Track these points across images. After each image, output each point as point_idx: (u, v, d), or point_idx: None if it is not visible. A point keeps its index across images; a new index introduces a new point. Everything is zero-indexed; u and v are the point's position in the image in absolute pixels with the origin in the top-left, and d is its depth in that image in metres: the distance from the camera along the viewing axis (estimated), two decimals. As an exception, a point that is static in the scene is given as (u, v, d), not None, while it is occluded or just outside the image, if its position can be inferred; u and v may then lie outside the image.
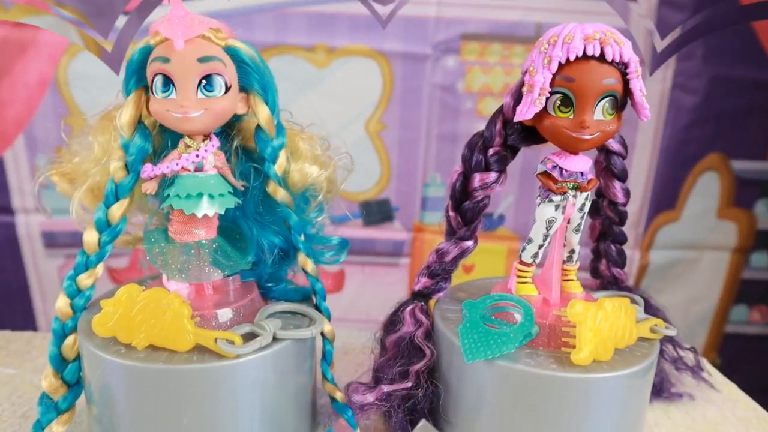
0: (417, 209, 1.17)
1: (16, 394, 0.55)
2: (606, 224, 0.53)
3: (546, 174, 0.46)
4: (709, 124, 1.07)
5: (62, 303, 0.47)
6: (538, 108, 0.43)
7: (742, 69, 1.05)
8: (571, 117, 0.43)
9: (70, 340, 0.47)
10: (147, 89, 0.45)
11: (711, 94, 1.05)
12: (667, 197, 1.11)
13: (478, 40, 1.09)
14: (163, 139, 0.48)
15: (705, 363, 0.62)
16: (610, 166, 0.50)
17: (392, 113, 1.13)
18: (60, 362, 0.48)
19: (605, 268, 0.55)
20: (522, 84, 0.46)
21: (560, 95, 0.43)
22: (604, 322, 0.44)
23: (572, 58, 0.42)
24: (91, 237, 0.46)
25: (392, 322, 0.52)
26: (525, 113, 0.44)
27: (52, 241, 1.15)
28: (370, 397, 0.48)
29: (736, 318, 1.15)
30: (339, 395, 0.50)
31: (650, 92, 1.06)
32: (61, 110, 1.09)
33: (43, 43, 1.04)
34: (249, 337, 0.44)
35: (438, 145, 1.14)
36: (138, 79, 0.45)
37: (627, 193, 0.51)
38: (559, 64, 0.43)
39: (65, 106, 1.08)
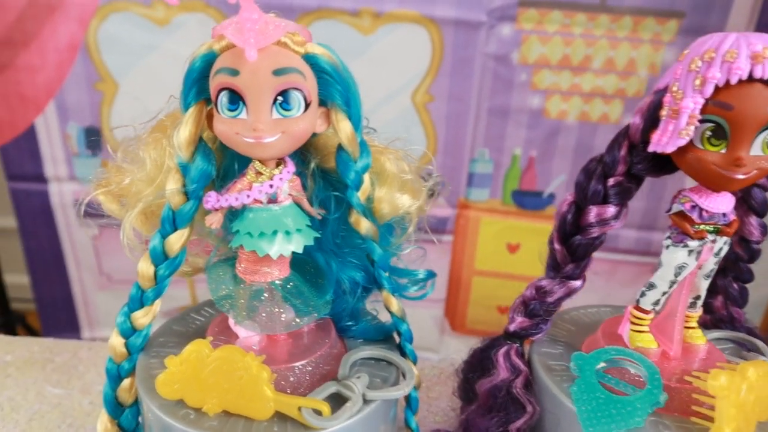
0: (463, 185, 1.08)
1: (67, 422, 0.49)
2: (731, 260, 0.44)
3: (681, 214, 0.37)
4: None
5: (116, 342, 0.40)
6: (685, 140, 0.34)
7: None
8: (723, 151, 0.34)
9: (126, 383, 0.40)
10: (208, 100, 0.36)
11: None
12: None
13: (537, 7, 0.97)
14: (225, 158, 0.40)
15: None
16: (748, 199, 0.41)
17: (441, 84, 1.02)
18: (115, 407, 0.41)
19: (721, 306, 0.46)
20: (657, 104, 0.37)
21: (711, 125, 0.34)
22: (748, 394, 0.36)
23: (734, 81, 0.32)
24: (146, 269, 0.39)
25: (481, 362, 0.45)
26: (666, 145, 0.35)
27: (85, 210, 1.09)
28: None
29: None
30: (425, 450, 0.44)
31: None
32: (92, 76, 1.00)
33: (71, 4, 0.94)
34: (334, 397, 0.36)
35: (488, 119, 1.04)
36: (199, 91, 0.36)
37: (764, 230, 0.42)
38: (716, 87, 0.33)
39: (96, 72, 0.99)
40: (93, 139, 1.03)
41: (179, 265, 0.39)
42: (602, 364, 0.39)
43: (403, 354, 0.42)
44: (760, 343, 0.44)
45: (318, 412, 0.35)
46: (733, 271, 0.45)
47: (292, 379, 0.38)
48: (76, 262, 1.13)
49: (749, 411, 0.36)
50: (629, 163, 0.39)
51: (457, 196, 1.09)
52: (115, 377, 0.41)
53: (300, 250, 0.37)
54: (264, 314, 0.37)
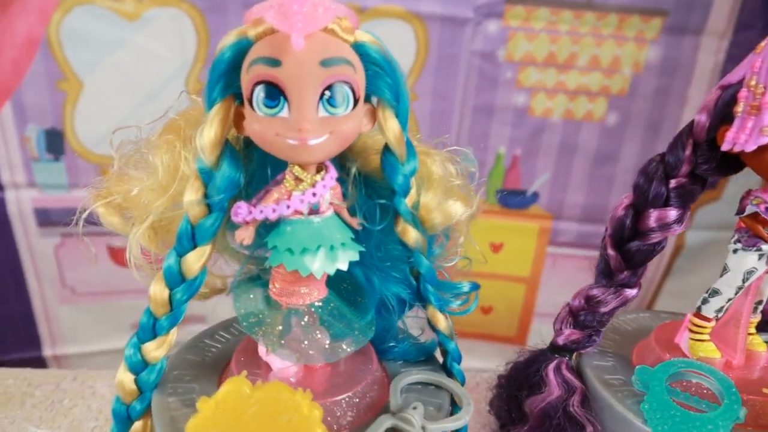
0: (447, 185, 1.04)
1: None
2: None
3: (755, 216, 0.35)
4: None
5: (125, 378, 0.34)
6: (767, 139, 0.31)
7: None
8: None
9: (138, 426, 0.35)
10: (236, 96, 0.31)
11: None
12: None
13: (524, 4, 0.94)
14: (252, 161, 0.34)
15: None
16: (815, 197, 0.39)
17: (425, 82, 0.98)
18: (125, 455, 0.35)
19: (771, 307, 0.44)
20: (729, 100, 0.34)
21: None
22: (829, 406, 0.33)
23: None
24: (159, 293, 0.33)
25: (526, 379, 0.41)
26: (745, 143, 0.32)
27: (46, 219, 1.00)
28: None
29: None
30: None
31: (702, 64, 0.95)
32: (54, 74, 0.91)
33: (30, -5, 0.85)
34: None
35: (472, 117, 1.01)
36: (226, 86, 0.30)
37: (824, 229, 0.40)
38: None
39: (59, 69, 0.91)
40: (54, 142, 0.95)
41: (198, 288, 0.33)
42: (668, 378, 0.36)
43: (450, 375, 0.38)
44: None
45: (378, 453, 0.30)
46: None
47: (338, 414, 0.33)
48: (36, 274, 1.04)
49: (830, 424, 0.33)
50: (693, 162, 0.35)
51: (442, 196, 1.05)
52: (124, 419, 0.35)
53: (345, 267, 0.32)
54: (305, 342, 0.32)
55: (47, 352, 1.09)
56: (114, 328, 1.09)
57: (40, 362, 1.09)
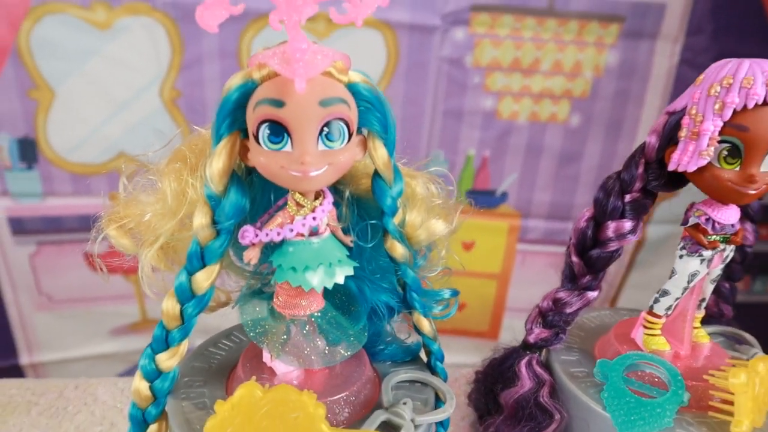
0: (420, 187, 1.09)
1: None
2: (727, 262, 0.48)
3: (696, 227, 0.40)
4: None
5: (141, 386, 0.38)
6: (706, 160, 0.37)
7: (750, 46, 1.02)
8: (737, 169, 0.37)
9: (153, 429, 0.39)
10: (241, 131, 0.35)
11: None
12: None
13: (489, 11, 1.00)
14: (254, 187, 0.38)
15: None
16: (746, 207, 0.45)
17: (396, 88, 1.03)
18: (142, 456, 0.39)
19: (713, 303, 0.50)
20: (674, 126, 0.39)
21: (728, 145, 0.37)
22: (761, 387, 0.40)
23: (751, 105, 0.35)
24: (171, 308, 0.37)
25: (501, 374, 0.46)
26: (687, 164, 0.38)
27: (20, 227, 1.01)
28: None
29: (723, 288, 1.18)
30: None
31: (657, 67, 1.02)
32: (25, 83, 0.92)
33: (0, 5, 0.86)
34: (383, 426, 0.37)
35: (443, 121, 1.06)
36: (232, 122, 0.34)
37: (757, 235, 0.46)
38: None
39: (30, 78, 0.92)
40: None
41: (207, 303, 0.38)
42: (624, 369, 0.41)
43: (434, 373, 0.43)
44: (748, 336, 0.48)
45: (376, 444, 0.35)
46: (726, 272, 0.49)
47: (337, 411, 0.37)
48: (11, 282, 1.05)
49: (761, 402, 0.40)
50: (645, 179, 0.41)
51: (414, 197, 1.10)
52: (140, 423, 0.39)
53: (342, 281, 0.36)
54: (307, 349, 0.37)
55: (24, 360, 1.10)
56: (92, 334, 1.10)
57: (16, 371, 1.10)
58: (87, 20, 0.90)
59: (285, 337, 0.37)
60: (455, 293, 0.44)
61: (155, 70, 0.95)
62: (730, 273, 0.49)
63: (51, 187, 0.98)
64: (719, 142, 0.37)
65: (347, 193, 0.38)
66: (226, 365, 0.42)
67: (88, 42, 0.91)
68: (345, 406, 0.38)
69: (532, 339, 0.45)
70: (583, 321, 0.51)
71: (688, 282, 0.42)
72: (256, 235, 0.35)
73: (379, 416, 0.37)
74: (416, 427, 0.37)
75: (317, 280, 0.35)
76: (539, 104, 1.06)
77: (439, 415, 0.38)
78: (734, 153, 0.37)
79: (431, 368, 0.43)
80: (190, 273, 0.36)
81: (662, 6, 1.01)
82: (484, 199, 1.13)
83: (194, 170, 0.38)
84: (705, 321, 0.51)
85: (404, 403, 0.38)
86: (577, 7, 1.00)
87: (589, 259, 0.43)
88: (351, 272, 0.37)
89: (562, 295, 0.44)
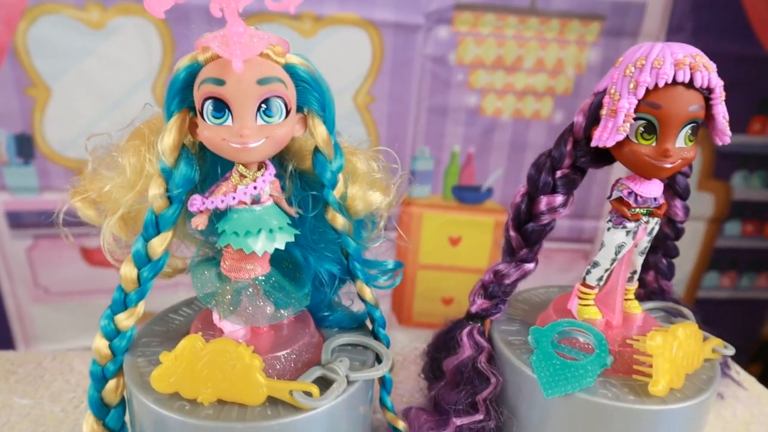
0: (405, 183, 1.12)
1: (40, 430, 0.50)
2: (660, 238, 0.51)
3: (620, 200, 0.44)
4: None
5: (100, 344, 0.42)
6: (622, 136, 0.40)
7: (729, 44, 1.04)
8: (654, 144, 0.40)
9: (112, 384, 0.42)
10: (191, 109, 0.39)
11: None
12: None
13: (472, 10, 1.03)
14: (206, 162, 0.42)
15: (731, 361, 0.62)
16: (674, 185, 0.48)
17: (381, 85, 1.07)
18: (101, 408, 0.42)
19: (653, 280, 0.53)
20: (598, 105, 0.42)
21: (643, 122, 0.40)
22: (678, 350, 0.42)
23: (661, 84, 0.39)
24: (129, 272, 0.41)
25: (445, 343, 0.49)
26: (606, 140, 0.41)
27: (17, 221, 1.06)
28: None
29: (708, 284, 1.19)
30: (402, 426, 0.48)
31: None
32: (22, 81, 0.97)
33: (-3, 6, 0.91)
34: (319, 381, 0.40)
35: (428, 118, 1.10)
36: (182, 100, 0.38)
37: (687, 212, 0.49)
38: (646, 89, 0.39)
39: (27, 76, 0.97)
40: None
41: (162, 267, 0.41)
42: (556, 336, 0.45)
43: (377, 338, 0.46)
44: (685, 310, 0.51)
45: (308, 394, 0.38)
46: (662, 249, 0.52)
47: (278, 367, 0.41)
48: (8, 274, 1.10)
49: (679, 365, 0.43)
50: (574, 156, 0.44)
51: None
52: (100, 379, 0.42)
53: (282, 247, 0.40)
54: (249, 308, 0.40)
55: (21, 351, 1.15)
56: (87, 327, 1.15)
57: (13, 360, 1.15)
58: (81, 20, 0.95)
59: (230, 298, 0.41)
60: (399, 265, 0.48)
61: (147, 68, 1.00)
62: (666, 250, 0.52)
63: (47, 181, 1.03)
64: (636, 119, 0.40)
65: (290, 167, 0.42)
66: (183, 329, 0.46)
67: (82, 41, 0.96)
68: (286, 363, 0.41)
69: (474, 309, 0.48)
70: (531, 296, 0.55)
71: (616, 253, 0.45)
72: (203, 203, 0.39)
73: (315, 371, 0.40)
74: (351, 383, 0.40)
75: (259, 244, 0.39)
76: (522, 101, 1.10)
77: (374, 372, 0.41)
78: (650, 129, 0.40)
79: (374, 334, 0.47)
80: (146, 240, 0.40)
81: (642, 5, 1.04)
82: (469, 194, 1.16)
83: (151, 147, 0.42)
84: (648, 297, 0.54)
85: (340, 361, 0.41)
86: (559, 5, 1.03)
87: (524, 232, 0.46)
88: (291, 239, 0.40)
89: (501, 267, 0.48)
